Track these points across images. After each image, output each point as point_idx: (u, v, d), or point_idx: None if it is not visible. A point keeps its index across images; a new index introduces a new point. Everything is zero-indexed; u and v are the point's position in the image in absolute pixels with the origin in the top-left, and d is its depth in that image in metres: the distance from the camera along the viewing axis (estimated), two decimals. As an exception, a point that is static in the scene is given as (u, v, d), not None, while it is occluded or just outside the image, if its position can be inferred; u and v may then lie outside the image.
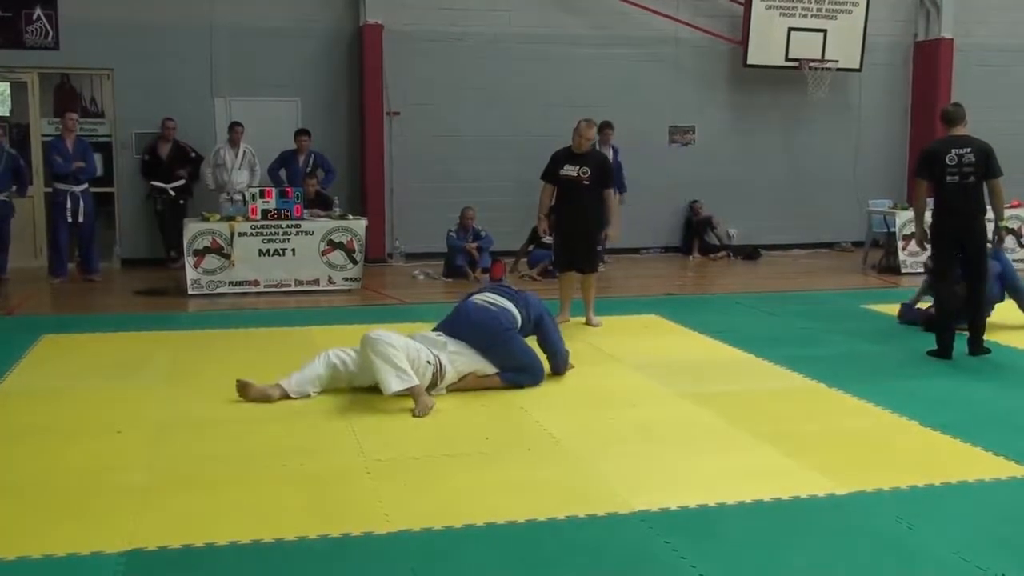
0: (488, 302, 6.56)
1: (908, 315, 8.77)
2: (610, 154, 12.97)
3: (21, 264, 11.88)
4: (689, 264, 13.74)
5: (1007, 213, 10.11)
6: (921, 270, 9.92)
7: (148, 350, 7.69)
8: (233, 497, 4.50)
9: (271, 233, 10.61)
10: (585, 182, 8.52)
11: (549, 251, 12.13)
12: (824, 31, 14.18)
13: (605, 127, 13.02)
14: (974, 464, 5.04)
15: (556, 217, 8.88)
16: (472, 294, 6.82)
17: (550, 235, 9.25)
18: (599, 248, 8.89)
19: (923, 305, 8.64)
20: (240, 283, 10.55)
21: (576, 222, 8.62)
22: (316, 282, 10.75)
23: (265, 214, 10.60)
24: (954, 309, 7.52)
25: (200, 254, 10.45)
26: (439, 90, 13.33)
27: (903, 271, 12.16)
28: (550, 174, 8.74)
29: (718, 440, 5.45)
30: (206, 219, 10.66)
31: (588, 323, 8.69)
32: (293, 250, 10.67)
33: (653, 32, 13.99)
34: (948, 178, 7.38)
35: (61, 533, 4.06)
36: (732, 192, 14.44)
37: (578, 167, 8.53)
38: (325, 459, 5.06)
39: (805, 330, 8.76)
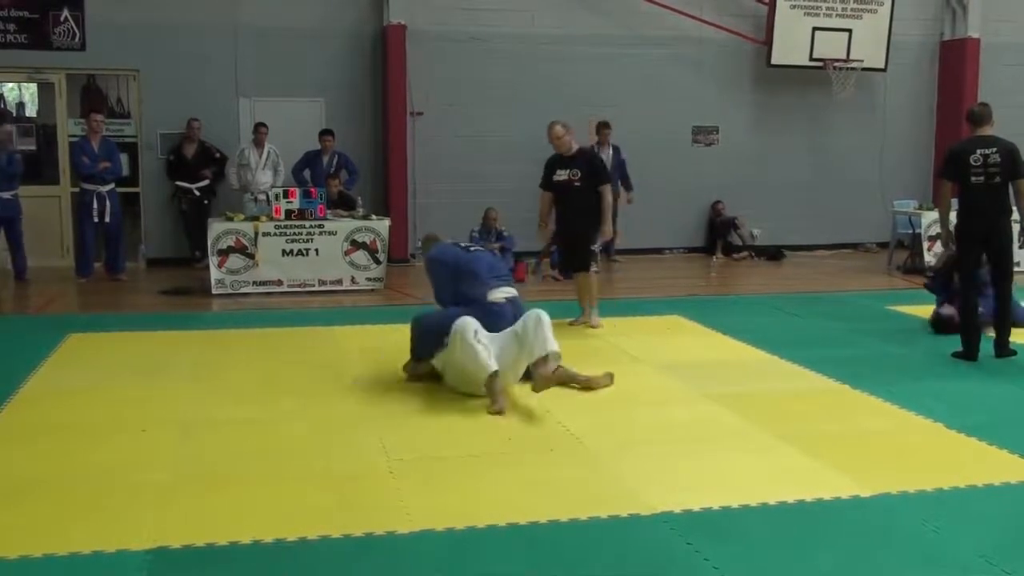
0: (511, 299, 6.61)
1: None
2: (609, 153, 13.01)
3: (48, 263, 11.99)
4: (712, 265, 13.69)
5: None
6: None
7: (173, 349, 7.74)
8: (257, 496, 4.53)
9: (295, 233, 10.65)
10: (576, 184, 8.47)
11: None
12: (849, 31, 14.10)
13: (603, 127, 13.04)
14: (1000, 466, 5.01)
15: (556, 221, 8.85)
16: (490, 288, 6.60)
17: (549, 241, 9.18)
18: (594, 248, 8.69)
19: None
20: (264, 283, 10.60)
21: (571, 223, 8.59)
22: (339, 282, 10.78)
23: (289, 214, 10.65)
24: (976, 310, 7.47)
25: (224, 254, 10.51)
26: (462, 90, 13.34)
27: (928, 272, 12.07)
28: (545, 181, 8.73)
29: (741, 441, 5.44)
30: (230, 219, 10.72)
31: (587, 323, 8.60)
32: (316, 250, 10.71)
33: (677, 32, 13.95)
34: (973, 178, 7.32)
35: (87, 531, 4.10)
36: (756, 192, 14.38)
37: (568, 170, 8.51)
38: (348, 459, 5.08)
39: (829, 331, 8.71)
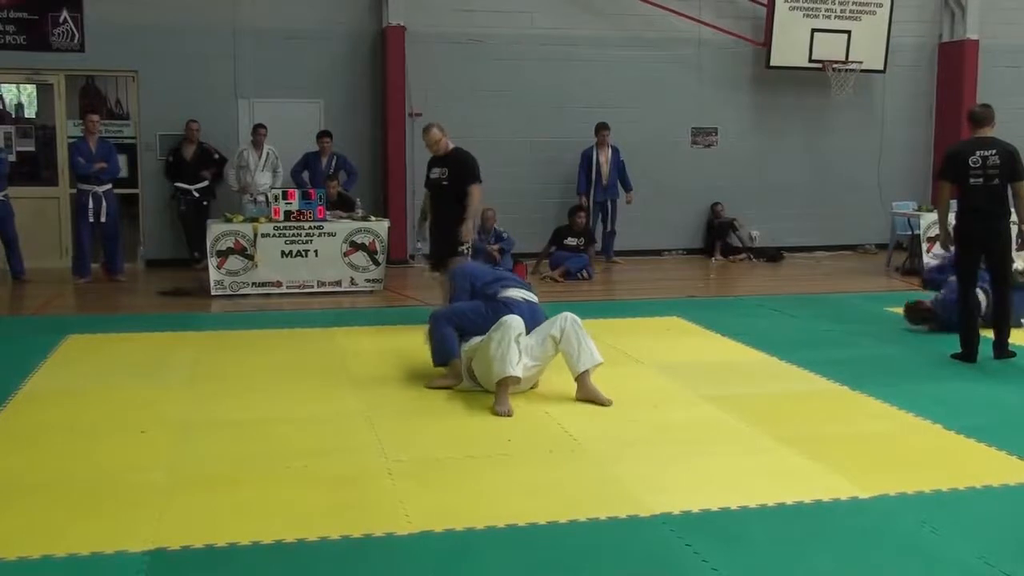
0: (529, 301, 6.68)
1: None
2: (608, 154, 13.00)
3: (46, 264, 11.98)
4: (711, 266, 13.69)
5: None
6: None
7: (172, 350, 7.74)
8: (255, 497, 4.52)
9: (294, 234, 10.65)
10: (444, 183, 8.52)
11: (571, 253, 12.18)
12: (848, 32, 14.11)
13: (602, 128, 13.04)
14: (998, 467, 5.01)
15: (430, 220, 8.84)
16: (504, 286, 6.74)
17: (426, 239, 9.11)
18: (461, 249, 8.50)
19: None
20: (263, 284, 10.59)
21: (439, 222, 8.61)
22: (338, 283, 10.78)
23: (288, 215, 10.65)
24: (975, 311, 7.47)
25: (223, 255, 10.50)
26: (461, 92, 13.33)
27: (927, 273, 12.08)
28: (425, 180, 8.80)
29: (740, 443, 5.44)
30: (229, 220, 10.71)
31: None
32: (316, 251, 10.70)
33: (676, 34, 13.96)
34: (972, 180, 7.32)
35: (85, 532, 4.09)
36: (755, 194, 14.39)
37: (439, 169, 8.57)
38: (347, 460, 5.07)
39: (828, 333, 8.71)
